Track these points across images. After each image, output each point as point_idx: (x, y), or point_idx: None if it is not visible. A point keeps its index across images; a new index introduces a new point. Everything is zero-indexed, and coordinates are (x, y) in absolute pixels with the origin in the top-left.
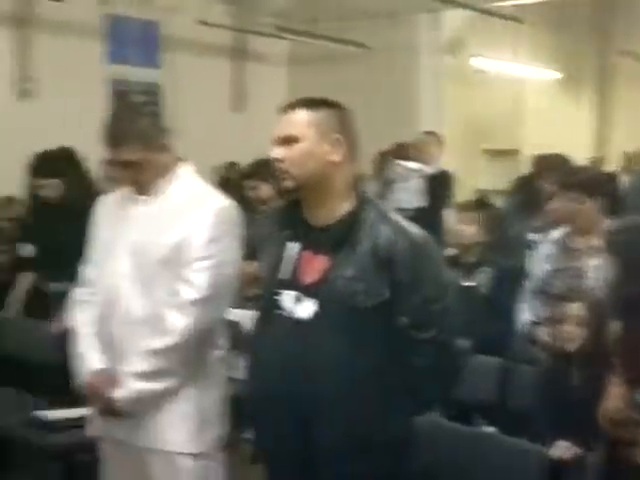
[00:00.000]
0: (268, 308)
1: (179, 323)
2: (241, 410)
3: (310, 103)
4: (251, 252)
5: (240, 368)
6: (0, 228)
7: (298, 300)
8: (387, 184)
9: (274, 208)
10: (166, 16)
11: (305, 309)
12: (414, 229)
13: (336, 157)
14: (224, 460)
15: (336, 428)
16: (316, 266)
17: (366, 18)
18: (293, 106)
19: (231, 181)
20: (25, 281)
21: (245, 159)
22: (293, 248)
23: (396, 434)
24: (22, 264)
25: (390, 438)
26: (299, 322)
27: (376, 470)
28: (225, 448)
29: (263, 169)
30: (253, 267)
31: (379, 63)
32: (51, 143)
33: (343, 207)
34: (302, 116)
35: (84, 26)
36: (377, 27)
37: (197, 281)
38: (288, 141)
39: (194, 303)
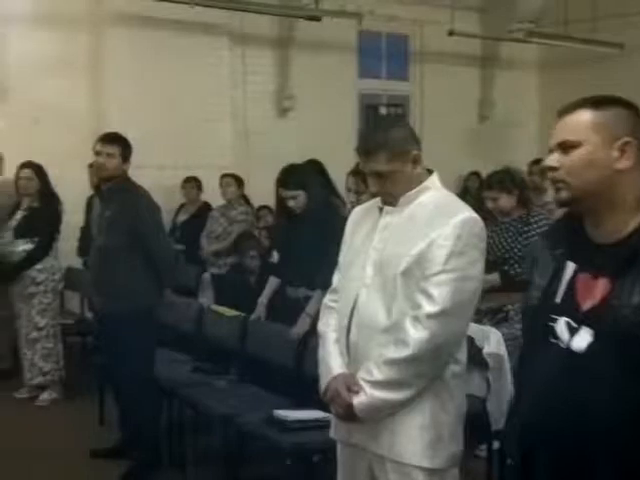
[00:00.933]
0: (539, 335)
1: (417, 335)
2: (475, 427)
3: (595, 102)
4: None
5: (475, 384)
6: (254, 236)
7: (573, 329)
8: None
9: (551, 223)
10: (416, 29)
11: (581, 339)
12: None
13: (624, 164)
14: (457, 478)
15: (617, 465)
16: (595, 290)
17: (619, 17)
18: (574, 107)
19: (471, 191)
20: (271, 286)
21: (486, 169)
22: (568, 268)
23: None
24: (270, 270)
25: None
26: (573, 353)
27: None
28: (458, 466)
29: (504, 179)
30: (493, 279)
31: (636, 63)
32: (304, 156)
33: (632, 223)
34: (585, 118)
35: (338, 43)
36: (632, 25)
37: (438, 294)
38: (566, 147)
39: (433, 316)
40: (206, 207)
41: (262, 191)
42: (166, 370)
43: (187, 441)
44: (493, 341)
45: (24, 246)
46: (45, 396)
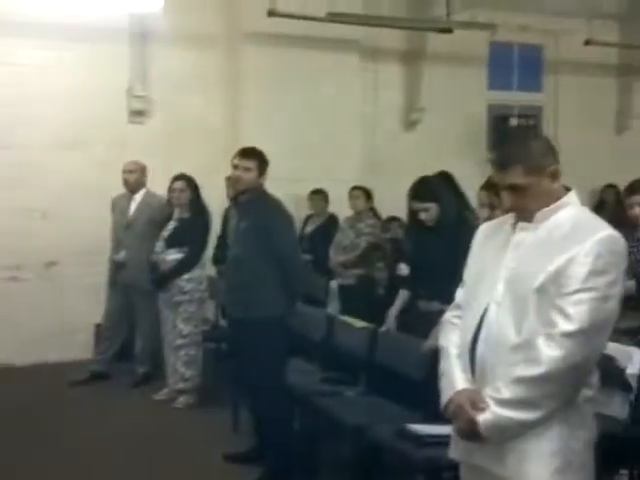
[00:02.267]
0: None
1: (551, 354)
2: (615, 451)
3: None
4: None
5: (615, 406)
6: (382, 248)
7: None
8: None
9: None
10: (550, 39)
11: None
12: None
13: None
14: None
15: None
16: None
17: None
18: None
19: (607, 204)
20: (401, 298)
21: (624, 181)
22: None
23: None
24: (399, 282)
25: None
26: None
27: None
28: None
29: None
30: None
31: None
32: (432, 169)
33: None
34: None
35: (469, 55)
36: None
37: (575, 313)
38: None
39: (569, 335)
40: (332, 219)
41: (388, 203)
42: (296, 378)
43: (317, 449)
44: (637, 361)
45: (175, 255)
46: (182, 400)
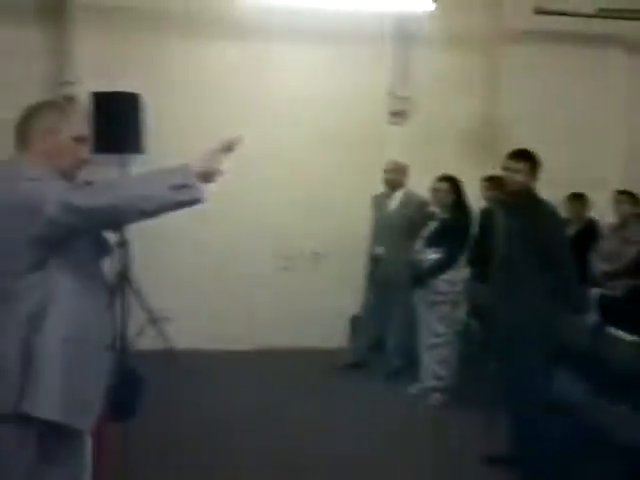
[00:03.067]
0: None
1: None
2: None
3: None
4: None
5: None
6: None
7: None
8: None
9: None
10: None
11: None
12: None
13: None
14: None
15: None
16: None
17: None
18: None
19: None
20: None
21: None
22: None
23: None
24: None
25: None
26: None
27: None
28: None
29: None
30: None
31: None
32: None
33: None
34: None
35: None
36: None
37: None
38: None
39: None
40: (592, 224)
41: None
42: (561, 389)
43: (578, 464)
44: None
45: (433, 255)
46: (436, 397)
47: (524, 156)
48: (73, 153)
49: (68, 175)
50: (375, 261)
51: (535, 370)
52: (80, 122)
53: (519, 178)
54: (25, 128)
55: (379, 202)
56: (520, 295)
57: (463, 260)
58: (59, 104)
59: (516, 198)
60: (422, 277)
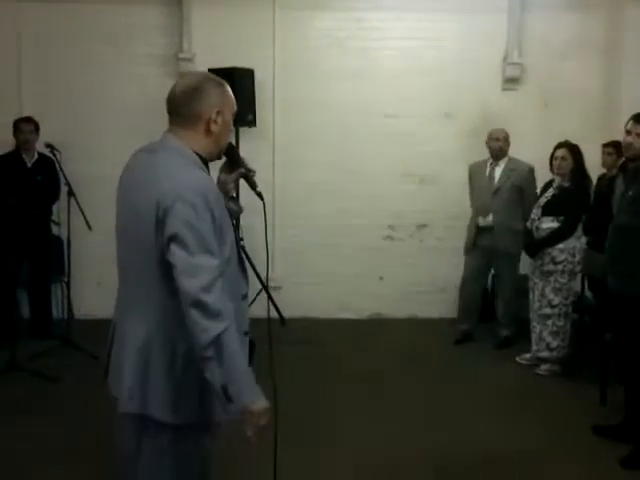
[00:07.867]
0: None
1: None
2: None
3: None
4: None
5: None
6: None
7: None
8: None
9: None
10: None
11: None
12: None
13: None
14: None
15: None
16: None
17: None
18: None
19: None
20: None
21: None
22: None
23: None
24: None
25: None
26: None
27: None
28: None
29: None
30: None
31: None
32: None
33: None
34: None
35: None
36: None
37: None
38: None
39: None
40: None
41: None
42: None
43: None
44: None
45: (550, 224)
46: (546, 367)
47: None
48: (230, 132)
49: (216, 156)
50: (481, 230)
51: None
52: (233, 99)
53: (639, 143)
54: (194, 108)
55: (478, 171)
56: (636, 264)
57: (580, 229)
58: (218, 81)
59: (636, 163)
60: (540, 246)
